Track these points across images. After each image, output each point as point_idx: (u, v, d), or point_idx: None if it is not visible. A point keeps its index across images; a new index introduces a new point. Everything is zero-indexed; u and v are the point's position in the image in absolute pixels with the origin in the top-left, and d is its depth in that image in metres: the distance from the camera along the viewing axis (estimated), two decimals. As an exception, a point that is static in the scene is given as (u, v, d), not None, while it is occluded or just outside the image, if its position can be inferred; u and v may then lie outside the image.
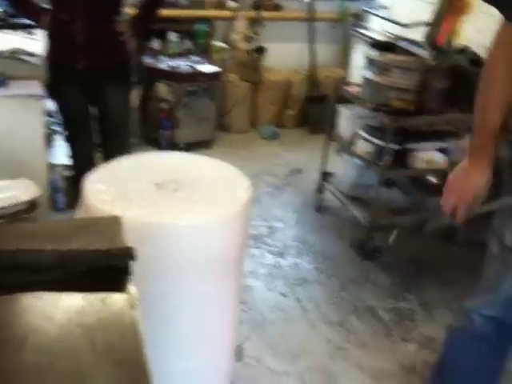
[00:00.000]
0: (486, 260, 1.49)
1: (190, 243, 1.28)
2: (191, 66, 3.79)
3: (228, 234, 1.35)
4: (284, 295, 2.43)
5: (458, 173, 1.44)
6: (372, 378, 2.00)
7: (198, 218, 1.29)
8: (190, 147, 3.67)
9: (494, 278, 1.46)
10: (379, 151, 2.74)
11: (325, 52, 4.53)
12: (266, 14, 4.24)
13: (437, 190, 3.07)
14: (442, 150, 2.78)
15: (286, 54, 4.38)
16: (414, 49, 2.87)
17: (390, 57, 2.71)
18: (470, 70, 2.82)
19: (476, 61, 2.92)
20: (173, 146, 3.73)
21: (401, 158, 2.74)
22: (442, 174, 2.99)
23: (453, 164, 2.80)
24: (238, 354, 2.00)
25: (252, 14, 4.20)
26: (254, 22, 4.22)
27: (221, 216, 1.33)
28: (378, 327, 2.27)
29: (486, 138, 1.38)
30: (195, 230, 1.28)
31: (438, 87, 2.72)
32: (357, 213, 2.86)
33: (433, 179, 3.02)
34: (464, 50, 2.85)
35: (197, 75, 3.75)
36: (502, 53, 1.34)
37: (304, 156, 3.83)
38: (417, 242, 2.91)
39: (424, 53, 2.82)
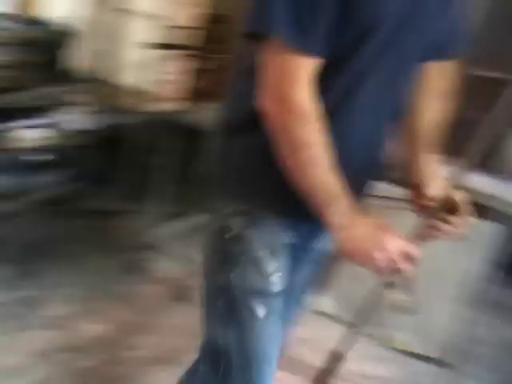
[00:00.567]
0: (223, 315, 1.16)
1: None
2: None
3: None
4: None
5: (366, 242, 0.97)
6: (-1, 378, 1.84)
7: None
8: None
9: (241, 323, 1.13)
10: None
11: None
12: None
13: (43, 168, 3.00)
14: (36, 126, 2.70)
15: None
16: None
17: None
18: (49, 42, 2.82)
19: (61, 32, 2.92)
20: None
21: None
22: (42, 151, 2.92)
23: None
24: None
25: None
26: None
27: None
28: (3, 324, 2.10)
29: (342, 212, 0.98)
30: None
31: (34, 61, 2.66)
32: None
33: (36, 157, 2.92)
34: (43, 22, 2.83)
35: None
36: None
37: None
38: (31, 226, 2.78)
39: (13, 26, 2.69)
